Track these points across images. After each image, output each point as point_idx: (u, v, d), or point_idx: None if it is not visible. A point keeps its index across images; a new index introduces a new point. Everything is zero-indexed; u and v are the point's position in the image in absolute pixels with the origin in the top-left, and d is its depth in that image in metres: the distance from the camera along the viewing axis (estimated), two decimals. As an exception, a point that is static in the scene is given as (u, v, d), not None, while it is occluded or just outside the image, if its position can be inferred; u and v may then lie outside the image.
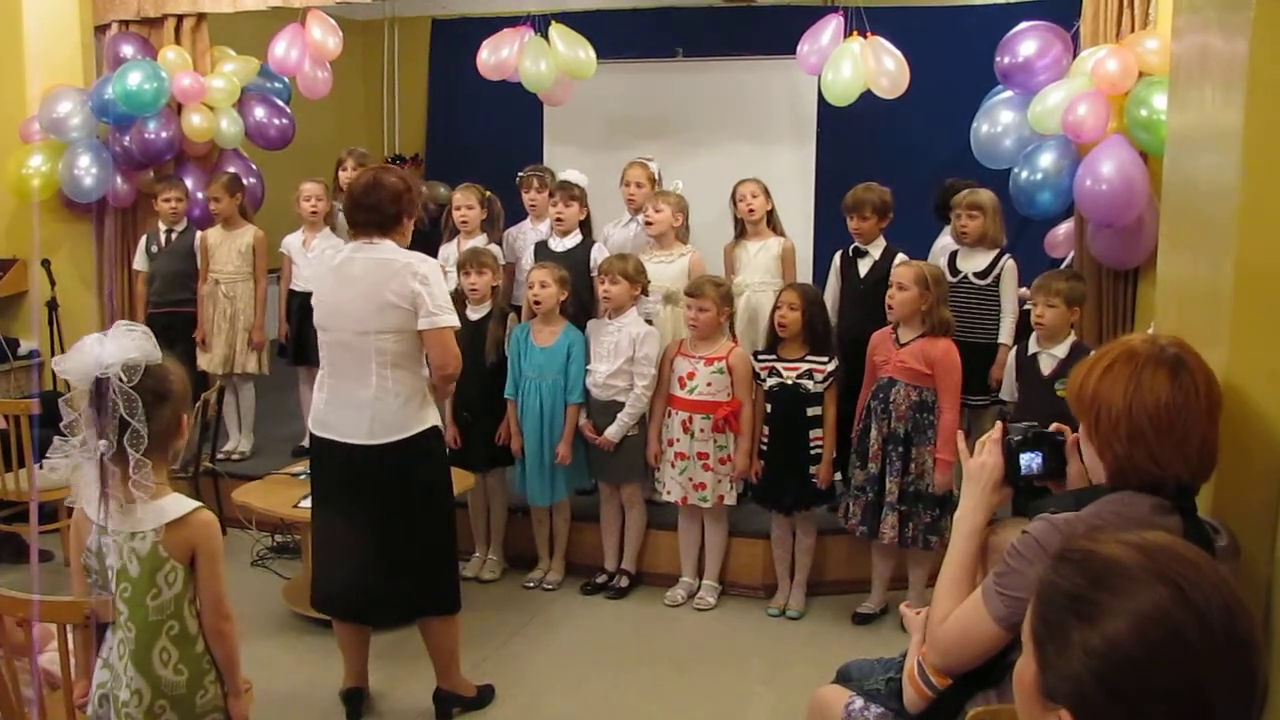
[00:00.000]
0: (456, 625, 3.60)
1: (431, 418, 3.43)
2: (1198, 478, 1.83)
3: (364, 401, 3.33)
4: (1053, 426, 2.04)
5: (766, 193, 4.93)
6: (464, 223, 5.17)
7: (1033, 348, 4.21)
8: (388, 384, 3.32)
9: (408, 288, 3.26)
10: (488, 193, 5.29)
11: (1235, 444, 1.89)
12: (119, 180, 5.84)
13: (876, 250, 4.77)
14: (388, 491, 3.36)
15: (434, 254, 3.79)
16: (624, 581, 4.67)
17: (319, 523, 3.58)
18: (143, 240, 5.79)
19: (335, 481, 3.47)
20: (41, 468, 4.56)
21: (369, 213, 3.35)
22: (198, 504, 2.39)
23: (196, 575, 2.35)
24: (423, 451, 3.40)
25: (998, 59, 4.64)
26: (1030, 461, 2.02)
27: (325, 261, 3.51)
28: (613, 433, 4.46)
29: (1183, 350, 1.83)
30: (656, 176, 5.26)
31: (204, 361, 5.62)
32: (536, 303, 4.47)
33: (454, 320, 3.37)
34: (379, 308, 3.29)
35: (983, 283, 4.69)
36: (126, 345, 2.28)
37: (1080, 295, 4.19)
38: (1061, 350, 4.09)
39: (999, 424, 2.07)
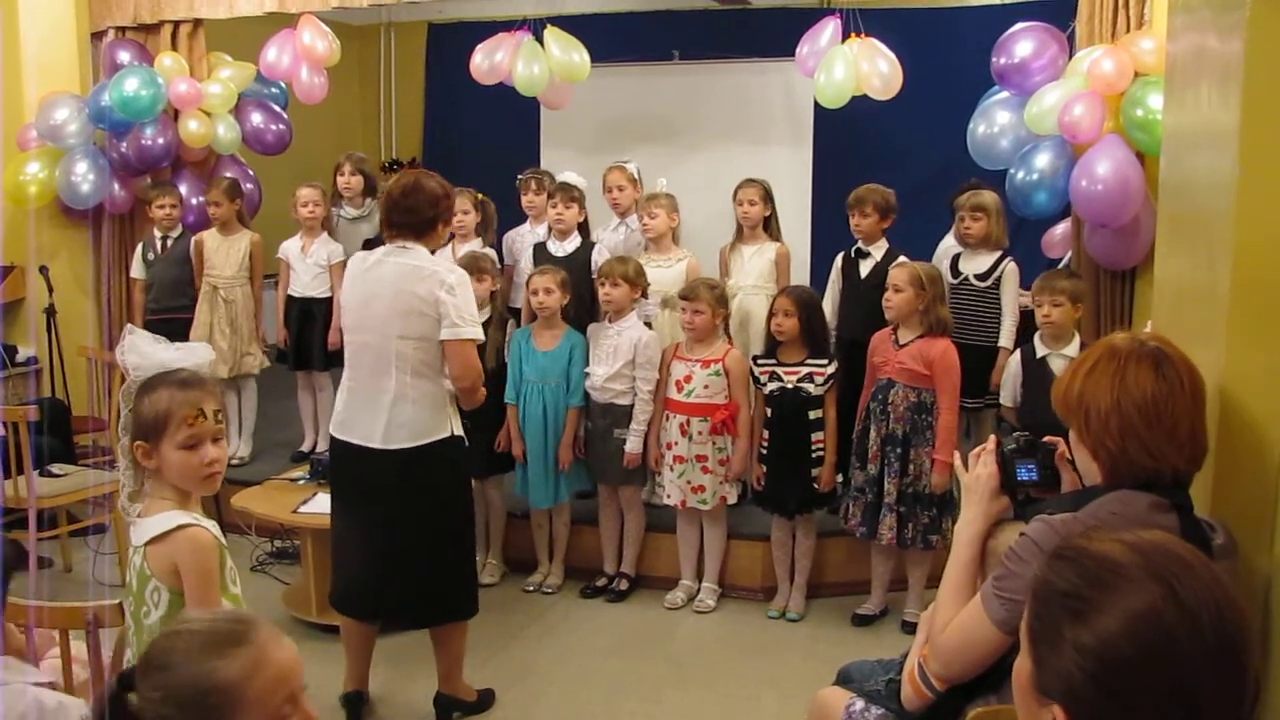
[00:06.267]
0: (466, 630, 3.62)
1: (451, 426, 3.44)
2: (1191, 466, 1.84)
3: (382, 405, 3.35)
4: (1045, 439, 2.06)
5: (766, 198, 4.90)
6: (459, 227, 5.17)
7: (1041, 350, 4.20)
8: (406, 390, 3.34)
9: (433, 295, 3.28)
10: (480, 196, 5.29)
11: (1232, 442, 1.90)
12: (116, 186, 5.84)
13: (878, 252, 4.76)
14: (403, 497, 3.38)
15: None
16: (624, 585, 4.67)
17: (336, 525, 3.60)
18: (139, 247, 5.79)
19: (351, 485, 3.50)
20: (40, 474, 4.60)
21: (405, 214, 3.39)
22: (186, 521, 2.18)
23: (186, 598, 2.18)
24: (440, 459, 3.41)
25: (994, 60, 4.64)
26: (1026, 469, 2.03)
27: (356, 265, 3.53)
28: (633, 446, 4.45)
29: (1162, 344, 1.87)
30: (636, 177, 5.27)
31: None
32: (541, 306, 4.47)
33: (477, 334, 3.37)
34: (403, 313, 3.31)
35: (983, 285, 4.69)
36: (191, 356, 2.23)
37: (1082, 292, 4.22)
38: (1072, 351, 4.08)
39: (992, 437, 2.12)
